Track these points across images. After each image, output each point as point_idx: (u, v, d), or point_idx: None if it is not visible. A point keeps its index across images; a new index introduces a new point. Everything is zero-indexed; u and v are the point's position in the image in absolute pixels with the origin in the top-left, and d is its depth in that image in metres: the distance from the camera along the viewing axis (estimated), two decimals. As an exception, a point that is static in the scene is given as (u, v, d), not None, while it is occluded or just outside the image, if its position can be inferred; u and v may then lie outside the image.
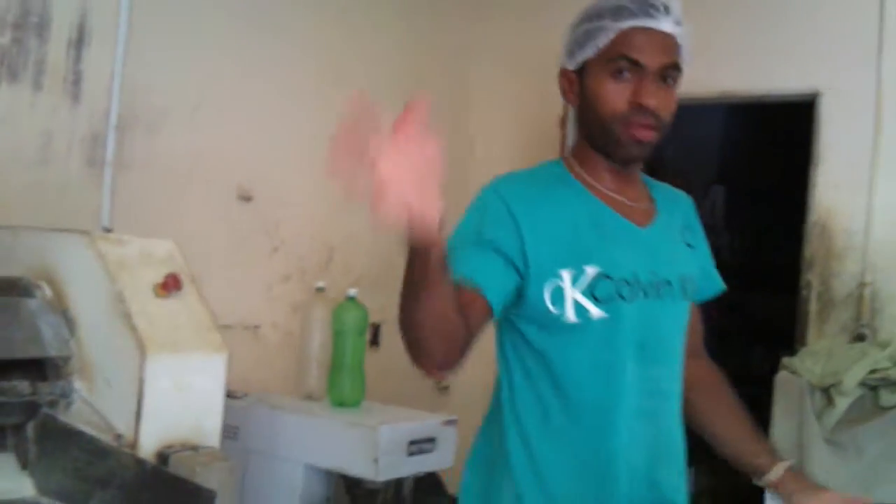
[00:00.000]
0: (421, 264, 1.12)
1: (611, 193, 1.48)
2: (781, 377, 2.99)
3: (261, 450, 2.63)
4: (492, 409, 1.57)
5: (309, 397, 2.79)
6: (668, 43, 1.42)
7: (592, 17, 1.44)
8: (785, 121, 3.70)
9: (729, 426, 1.62)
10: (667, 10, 1.42)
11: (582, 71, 1.45)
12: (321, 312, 2.77)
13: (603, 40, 1.41)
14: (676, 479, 1.51)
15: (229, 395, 1.98)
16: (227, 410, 2.48)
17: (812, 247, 3.32)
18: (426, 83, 3.80)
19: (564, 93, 1.51)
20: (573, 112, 1.51)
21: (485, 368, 3.92)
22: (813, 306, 3.31)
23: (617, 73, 1.40)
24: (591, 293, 1.38)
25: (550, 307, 1.38)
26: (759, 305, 5.64)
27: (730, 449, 1.60)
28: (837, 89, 3.28)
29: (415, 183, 0.97)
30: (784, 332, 3.48)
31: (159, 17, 2.73)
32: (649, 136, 1.41)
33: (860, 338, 3.20)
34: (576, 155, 1.52)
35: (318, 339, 2.78)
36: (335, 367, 2.68)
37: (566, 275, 1.38)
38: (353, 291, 2.71)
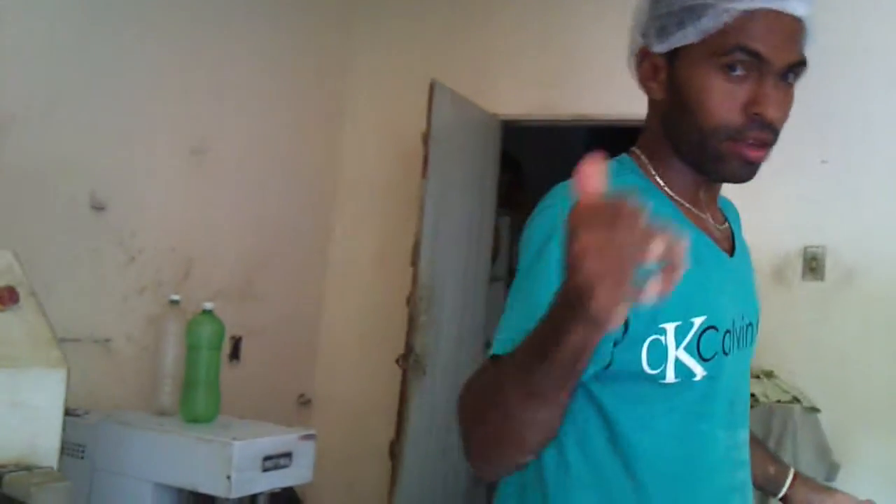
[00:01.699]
0: (572, 358, 0.81)
1: (696, 211, 1.15)
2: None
3: (109, 469, 2.54)
4: (526, 479, 1.13)
5: (162, 413, 2.72)
6: (798, 30, 1.07)
7: None
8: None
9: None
10: None
11: (674, 56, 1.09)
12: (176, 326, 2.71)
13: (713, 23, 1.04)
14: None
15: (69, 412, 1.91)
16: (73, 428, 2.41)
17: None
18: (299, 96, 3.78)
19: (644, 80, 1.13)
20: (652, 104, 1.15)
21: (346, 382, 3.93)
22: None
23: (730, 70, 1.04)
24: (696, 350, 1.06)
25: (646, 368, 1.04)
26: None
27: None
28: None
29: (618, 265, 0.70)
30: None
31: (7, 17, 2.63)
32: (763, 155, 1.08)
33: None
34: (652, 157, 1.15)
35: (172, 354, 2.71)
36: (189, 383, 2.63)
37: (670, 329, 1.04)
38: (209, 305, 2.66)
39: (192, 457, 2.46)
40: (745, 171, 1.09)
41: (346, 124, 4.05)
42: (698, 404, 1.09)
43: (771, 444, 3.04)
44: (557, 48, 3.75)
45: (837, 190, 3.30)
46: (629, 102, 3.48)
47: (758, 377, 3.16)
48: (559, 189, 1.10)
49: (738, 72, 1.04)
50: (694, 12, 1.05)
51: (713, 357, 1.08)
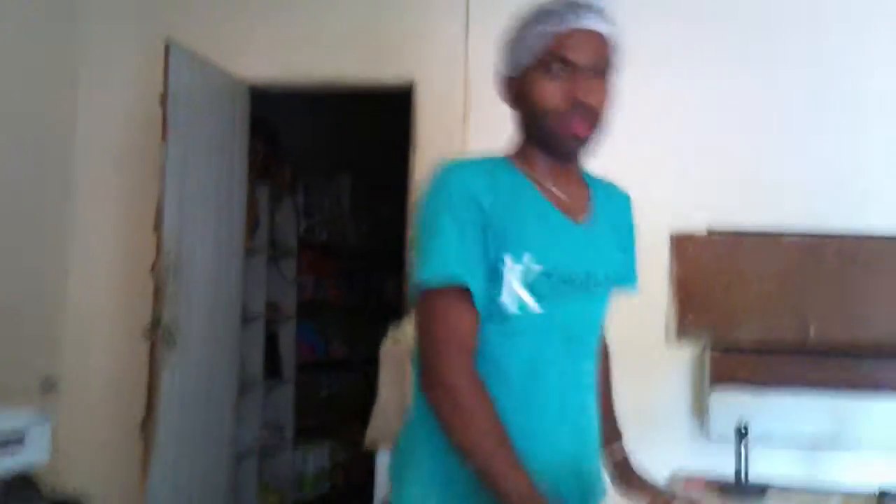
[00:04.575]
0: None
1: (552, 188, 1.51)
2: (387, 346, 3.17)
3: None
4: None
5: None
6: (600, 41, 1.47)
7: (526, 24, 1.48)
8: (395, 109, 3.90)
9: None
10: (595, 10, 1.47)
11: (520, 76, 1.49)
12: None
13: (538, 45, 1.46)
14: (598, 467, 1.59)
15: None
16: None
17: (414, 227, 3.54)
18: (24, 57, 3.51)
19: (505, 99, 1.54)
20: (514, 116, 1.55)
21: (96, 360, 3.72)
22: (416, 280, 3.54)
23: (553, 74, 1.45)
24: (531, 288, 1.41)
25: (496, 297, 1.41)
26: (389, 285, 5.96)
27: None
28: (430, 80, 3.54)
29: None
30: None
31: None
32: (587, 131, 1.47)
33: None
34: (517, 154, 1.54)
35: None
36: None
37: (513, 266, 1.41)
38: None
39: None
40: (576, 144, 1.48)
41: (81, 84, 3.79)
42: (537, 334, 1.44)
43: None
44: (306, 8, 3.71)
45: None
46: (381, 66, 3.61)
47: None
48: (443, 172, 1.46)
49: (560, 75, 1.45)
50: (526, 41, 1.47)
51: (546, 297, 1.42)
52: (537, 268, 1.41)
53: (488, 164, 1.50)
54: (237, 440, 3.90)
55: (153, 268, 3.19)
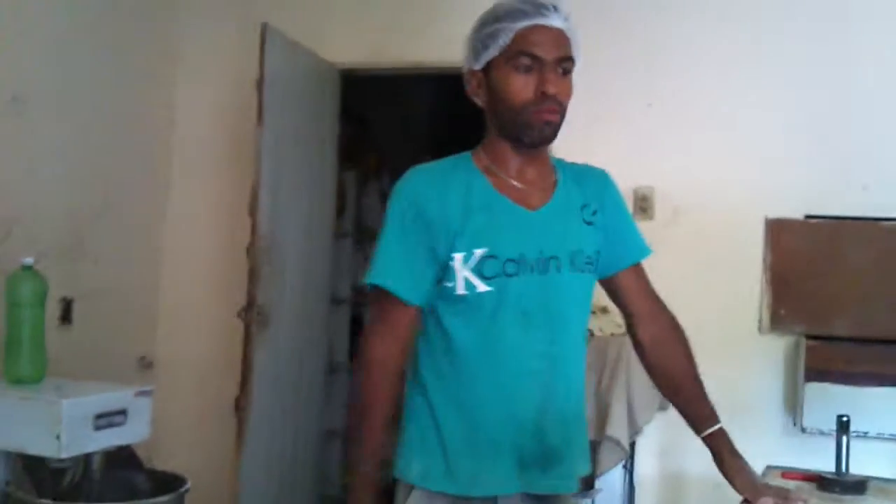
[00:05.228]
0: None
1: (510, 179, 1.66)
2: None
3: (-75, 436, 2.40)
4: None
5: (-18, 377, 2.58)
6: (561, 37, 1.61)
7: (492, 20, 1.61)
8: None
9: (678, 386, 1.78)
10: (556, 8, 1.61)
11: (487, 70, 1.63)
12: (-7, 286, 2.57)
13: (504, 40, 1.58)
14: (566, 430, 1.68)
15: None
16: None
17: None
18: (125, 40, 3.60)
19: (473, 91, 1.67)
20: (485, 107, 1.67)
21: (190, 340, 3.81)
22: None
23: (521, 68, 1.58)
24: (479, 271, 1.58)
25: (446, 282, 1.60)
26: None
27: (678, 405, 1.78)
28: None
29: None
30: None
31: None
32: (555, 117, 1.61)
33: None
34: (485, 146, 1.69)
35: (-8, 315, 2.58)
36: (11, 343, 2.50)
37: (458, 256, 1.58)
38: (28, 260, 2.53)
39: (16, 417, 2.35)
40: (548, 130, 1.61)
41: (178, 71, 3.89)
42: (489, 310, 1.59)
43: (606, 372, 3.18)
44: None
45: (663, 132, 3.44)
46: (457, 49, 3.59)
47: (594, 312, 3.28)
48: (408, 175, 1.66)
49: (527, 69, 1.58)
50: (493, 36, 1.60)
51: (494, 277, 1.58)
52: (481, 251, 1.57)
53: (445, 168, 1.66)
54: (324, 420, 3.96)
55: (248, 250, 3.26)
